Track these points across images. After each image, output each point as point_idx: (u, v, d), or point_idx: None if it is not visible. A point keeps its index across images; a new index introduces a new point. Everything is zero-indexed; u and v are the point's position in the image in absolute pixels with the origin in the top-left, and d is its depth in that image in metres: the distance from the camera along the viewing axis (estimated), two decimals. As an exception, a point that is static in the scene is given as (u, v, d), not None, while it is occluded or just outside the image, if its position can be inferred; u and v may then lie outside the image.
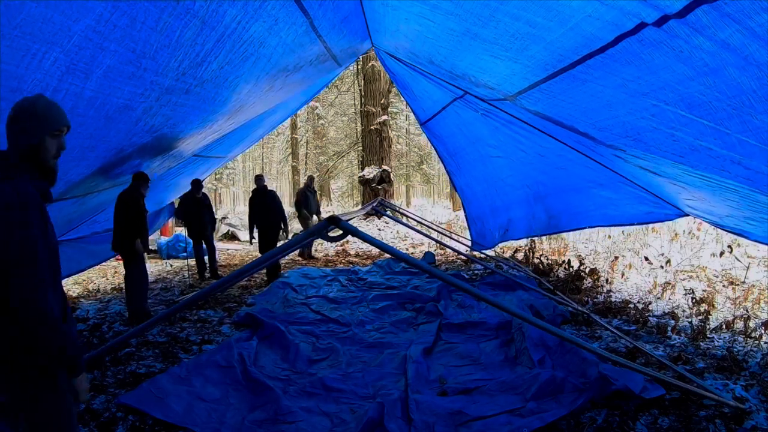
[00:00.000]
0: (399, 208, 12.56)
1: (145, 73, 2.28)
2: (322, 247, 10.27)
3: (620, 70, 2.08)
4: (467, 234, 9.71)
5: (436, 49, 3.39)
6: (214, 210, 7.45)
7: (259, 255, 7.22)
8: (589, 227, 6.11)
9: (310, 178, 9.48)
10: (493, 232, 7.47)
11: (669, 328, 3.97)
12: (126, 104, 2.44)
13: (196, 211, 6.87)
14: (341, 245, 10.04)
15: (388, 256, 8.67)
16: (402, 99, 21.64)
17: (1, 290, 1.20)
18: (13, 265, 1.19)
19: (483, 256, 7.37)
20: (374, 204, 6.58)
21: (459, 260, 8.05)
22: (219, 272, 7.28)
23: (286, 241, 5.89)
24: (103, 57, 1.98)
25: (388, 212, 9.80)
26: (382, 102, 14.19)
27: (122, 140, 2.89)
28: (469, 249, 7.82)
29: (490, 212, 7.27)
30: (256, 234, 7.07)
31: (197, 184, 6.88)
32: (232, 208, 29.48)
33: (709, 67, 1.65)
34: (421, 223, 8.25)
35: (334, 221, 2.20)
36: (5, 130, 1.33)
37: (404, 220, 9.72)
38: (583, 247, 8.29)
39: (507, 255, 7.96)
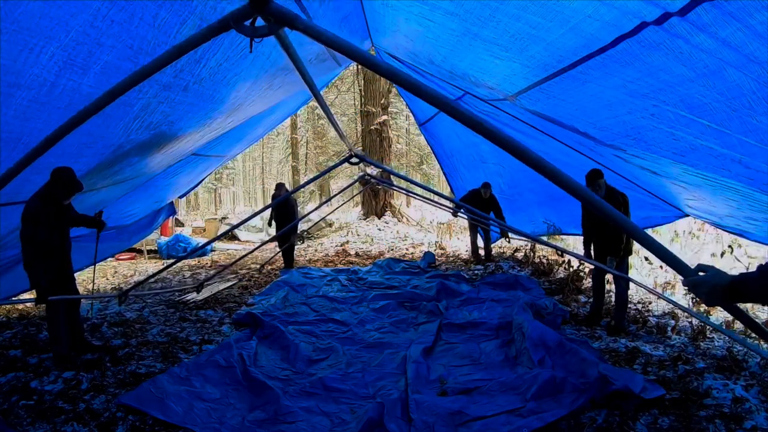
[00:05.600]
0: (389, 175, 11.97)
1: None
2: (322, 247, 10.26)
3: (620, 71, 2.08)
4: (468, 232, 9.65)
5: (436, 48, 3.38)
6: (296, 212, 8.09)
7: (258, 256, 7.14)
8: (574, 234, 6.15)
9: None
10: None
11: (669, 328, 3.96)
12: (124, 100, 2.43)
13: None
14: (341, 245, 10.02)
15: (388, 256, 8.66)
16: (402, 99, 21.67)
17: None
18: None
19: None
20: (362, 176, 6.58)
21: (459, 260, 8.03)
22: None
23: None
24: (101, 53, 1.97)
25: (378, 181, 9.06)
26: (382, 102, 14.18)
27: (120, 137, 2.87)
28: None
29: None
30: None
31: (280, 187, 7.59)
32: (232, 208, 29.48)
33: (710, 68, 1.65)
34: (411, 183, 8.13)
35: None
36: None
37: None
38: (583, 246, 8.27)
39: (507, 255, 7.95)
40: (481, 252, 7.58)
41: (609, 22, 1.80)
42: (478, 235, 7.68)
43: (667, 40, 1.67)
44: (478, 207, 7.10)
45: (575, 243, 8.32)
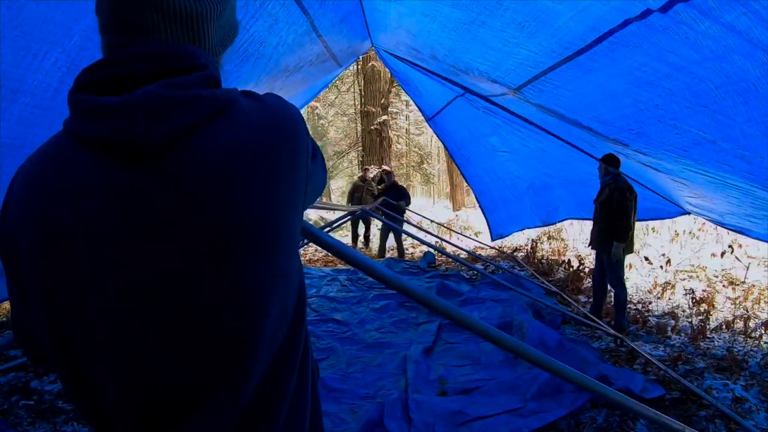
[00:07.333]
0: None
1: None
2: (322, 247, 10.26)
3: (627, 56, 2.05)
4: (470, 232, 9.67)
5: (441, 42, 3.35)
6: None
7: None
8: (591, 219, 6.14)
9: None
10: (507, 221, 7.55)
11: (669, 328, 3.97)
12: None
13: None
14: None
15: (388, 255, 8.66)
16: (402, 99, 21.70)
17: None
18: None
19: (485, 252, 7.37)
20: (367, 208, 6.57)
21: (458, 260, 8.03)
22: None
23: None
24: None
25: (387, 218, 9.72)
26: (382, 102, 14.19)
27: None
28: (471, 248, 7.81)
29: (501, 203, 7.33)
30: None
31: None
32: (232, 208, 29.46)
33: (715, 53, 1.64)
34: (425, 219, 8.22)
35: None
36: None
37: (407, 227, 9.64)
38: (583, 247, 8.28)
39: (507, 254, 7.95)
40: (393, 252, 7.75)
41: (616, 6, 1.79)
42: (391, 234, 7.91)
43: (673, 25, 1.66)
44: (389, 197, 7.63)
45: (577, 236, 8.34)
